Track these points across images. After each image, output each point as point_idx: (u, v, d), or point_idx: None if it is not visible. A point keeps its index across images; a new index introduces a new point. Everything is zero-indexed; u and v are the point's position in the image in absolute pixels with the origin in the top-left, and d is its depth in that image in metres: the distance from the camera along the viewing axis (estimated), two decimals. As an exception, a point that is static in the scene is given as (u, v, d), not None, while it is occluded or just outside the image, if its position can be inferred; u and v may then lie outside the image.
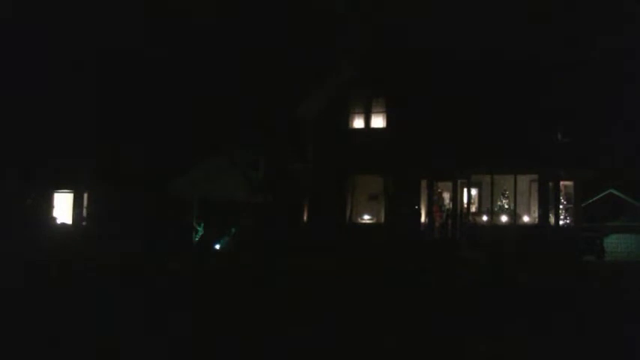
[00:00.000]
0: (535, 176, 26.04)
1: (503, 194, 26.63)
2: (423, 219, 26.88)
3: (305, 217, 27.98)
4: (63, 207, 30.44)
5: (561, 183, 26.21)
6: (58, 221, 30.24)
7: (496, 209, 26.69)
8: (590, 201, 38.64)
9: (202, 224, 26.70)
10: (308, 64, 29.16)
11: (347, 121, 28.02)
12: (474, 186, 27.39)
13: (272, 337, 12.66)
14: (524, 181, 26.52)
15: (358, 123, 28.08)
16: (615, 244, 36.78)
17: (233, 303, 16.65)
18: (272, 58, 29.61)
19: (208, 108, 29.50)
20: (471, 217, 26.92)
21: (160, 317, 14.68)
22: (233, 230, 26.36)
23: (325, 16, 29.92)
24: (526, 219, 26.72)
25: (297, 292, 17.75)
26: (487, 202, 26.92)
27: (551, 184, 25.69)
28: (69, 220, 29.86)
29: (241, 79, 29.74)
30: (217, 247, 25.36)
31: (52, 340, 12.31)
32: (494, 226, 26.21)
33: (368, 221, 27.56)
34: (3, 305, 15.63)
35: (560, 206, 26.30)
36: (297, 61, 29.42)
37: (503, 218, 26.60)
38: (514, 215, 26.28)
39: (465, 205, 27.07)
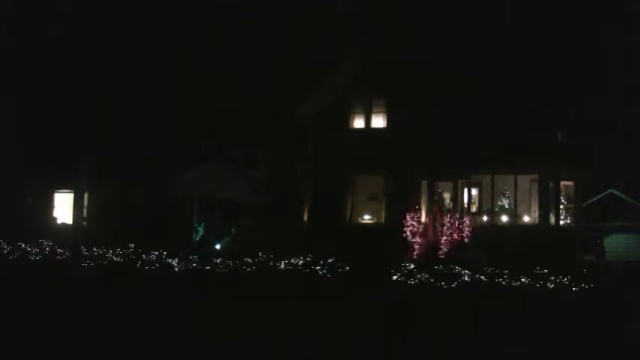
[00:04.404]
0: (535, 176, 26.00)
1: (503, 194, 26.60)
2: (423, 219, 26.86)
3: (305, 217, 27.96)
4: (63, 207, 30.41)
5: (561, 183, 26.18)
6: (59, 221, 30.22)
7: (496, 209, 26.67)
8: (590, 201, 38.58)
9: (202, 224, 26.67)
10: (309, 64, 29.12)
11: (347, 121, 27.99)
12: (474, 186, 27.35)
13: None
14: (524, 181, 26.48)
15: (358, 123, 28.05)
16: (615, 244, 36.77)
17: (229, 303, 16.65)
18: (273, 57, 29.58)
19: (208, 108, 29.49)
20: (471, 217, 26.88)
21: (158, 319, 14.67)
22: (233, 230, 26.34)
23: (326, 16, 29.90)
24: (526, 219, 26.70)
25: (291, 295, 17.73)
26: (487, 202, 26.88)
27: (551, 184, 25.66)
28: (69, 220, 29.83)
29: (241, 79, 29.72)
30: (217, 247, 25.33)
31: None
32: (494, 226, 26.18)
33: (368, 221, 27.53)
34: (5, 305, 15.62)
35: (561, 206, 26.26)
36: (297, 61, 29.38)
37: (504, 218, 26.58)
38: (514, 215, 26.26)
39: (466, 205, 27.04)
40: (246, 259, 21.72)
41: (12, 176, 30.22)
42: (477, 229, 25.54)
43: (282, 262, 21.64)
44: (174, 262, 21.75)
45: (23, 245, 24.39)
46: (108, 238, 24.15)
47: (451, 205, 27.02)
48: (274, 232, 25.78)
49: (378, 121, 27.78)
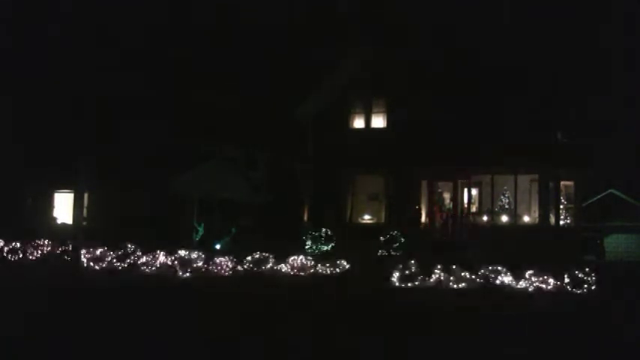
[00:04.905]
0: (535, 176, 26.02)
1: (503, 194, 26.61)
2: (423, 219, 26.86)
3: (305, 217, 27.96)
4: (63, 207, 30.41)
5: (561, 183, 26.19)
6: (59, 221, 30.21)
7: (496, 209, 26.68)
8: (590, 201, 38.57)
9: (202, 224, 26.67)
10: (309, 64, 29.13)
11: (347, 121, 28.00)
12: (474, 186, 27.37)
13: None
14: (524, 181, 26.50)
15: (358, 123, 28.06)
16: (615, 244, 36.74)
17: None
18: (273, 57, 29.58)
19: (208, 108, 29.48)
20: (471, 217, 26.88)
21: (158, 319, 14.67)
22: (233, 230, 26.34)
23: (327, 16, 29.90)
24: (526, 219, 26.71)
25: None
26: (487, 202, 26.89)
27: (551, 184, 25.67)
28: (69, 220, 29.82)
29: (241, 79, 29.72)
30: (217, 247, 25.34)
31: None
32: (494, 226, 26.18)
33: (368, 221, 27.53)
34: (4, 305, 15.63)
35: (561, 206, 26.27)
36: (297, 61, 29.39)
37: (504, 218, 26.58)
38: (514, 215, 26.26)
39: (466, 205, 27.04)
40: (246, 259, 21.72)
41: (12, 176, 30.22)
42: (477, 229, 25.54)
43: (282, 262, 21.64)
44: (175, 262, 21.74)
45: (23, 245, 24.35)
46: (108, 238, 24.14)
47: (451, 205, 27.01)
48: (274, 232, 25.79)
49: (378, 121, 27.79)
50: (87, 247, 22.84)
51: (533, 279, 18.87)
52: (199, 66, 30.07)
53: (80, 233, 26.78)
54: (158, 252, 22.07)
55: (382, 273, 19.85)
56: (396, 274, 19.47)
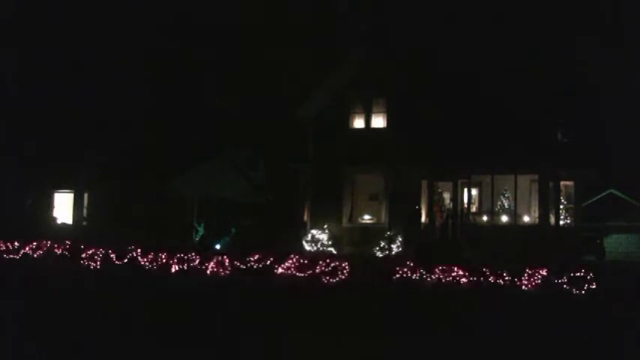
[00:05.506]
0: (535, 176, 26.02)
1: (503, 194, 26.61)
2: (423, 219, 26.86)
3: (305, 217, 27.97)
4: (63, 207, 30.44)
5: (561, 183, 26.19)
6: (59, 221, 30.24)
7: (496, 209, 26.68)
8: (590, 201, 38.59)
9: (202, 224, 26.69)
10: (308, 64, 29.16)
11: (347, 120, 27.98)
12: (474, 186, 27.37)
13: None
14: (524, 181, 26.51)
15: (358, 123, 28.05)
16: (615, 244, 36.74)
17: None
18: (273, 57, 29.62)
19: (210, 108, 29.54)
20: (471, 217, 26.88)
21: (158, 319, 14.69)
22: (233, 230, 26.35)
23: (326, 16, 29.94)
24: (526, 219, 26.70)
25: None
26: (487, 202, 26.90)
27: (551, 184, 25.67)
28: (69, 220, 29.86)
29: (242, 79, 29.77)
30: (217, 247, 25.36)
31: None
32: (494, 226, 26.18)
33: (368, 221, 27.53)
34: (4, 305, 15.65)
35: (561, 206, 26.27)
36: (297, 61, 29.42)
37: (504, 218, 26.58)
38: (514, 215, 26.26)
39: (466, 205, 27.04)
40: (246, 258, 21.72)
41: (12, 176, 30.26)
42: (477, 229, 25.53)
43: (282, 262, 21.63)
44: (175, 262, 21.75)
45: (23, 245, 24.38)
46: (108, 238, 24.17)
47: (451, 205, 27.01)
48: (274, 232, 25.82)
49: (378, 121, 27.78)
50: (87, 247, 22.83)
51: (533, 279, 18.85)
52: (199, 67, 30.12)
53: (80, 233, 26.83)
54: (158, 252, 22.07)
55: (382, 273, 19.84)
56: (396, 274, 19.46)
